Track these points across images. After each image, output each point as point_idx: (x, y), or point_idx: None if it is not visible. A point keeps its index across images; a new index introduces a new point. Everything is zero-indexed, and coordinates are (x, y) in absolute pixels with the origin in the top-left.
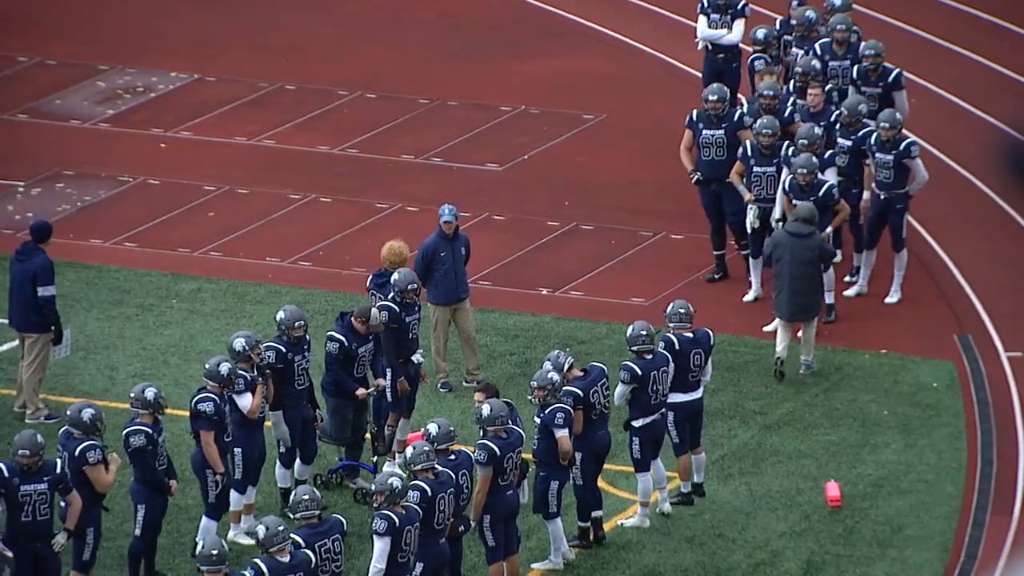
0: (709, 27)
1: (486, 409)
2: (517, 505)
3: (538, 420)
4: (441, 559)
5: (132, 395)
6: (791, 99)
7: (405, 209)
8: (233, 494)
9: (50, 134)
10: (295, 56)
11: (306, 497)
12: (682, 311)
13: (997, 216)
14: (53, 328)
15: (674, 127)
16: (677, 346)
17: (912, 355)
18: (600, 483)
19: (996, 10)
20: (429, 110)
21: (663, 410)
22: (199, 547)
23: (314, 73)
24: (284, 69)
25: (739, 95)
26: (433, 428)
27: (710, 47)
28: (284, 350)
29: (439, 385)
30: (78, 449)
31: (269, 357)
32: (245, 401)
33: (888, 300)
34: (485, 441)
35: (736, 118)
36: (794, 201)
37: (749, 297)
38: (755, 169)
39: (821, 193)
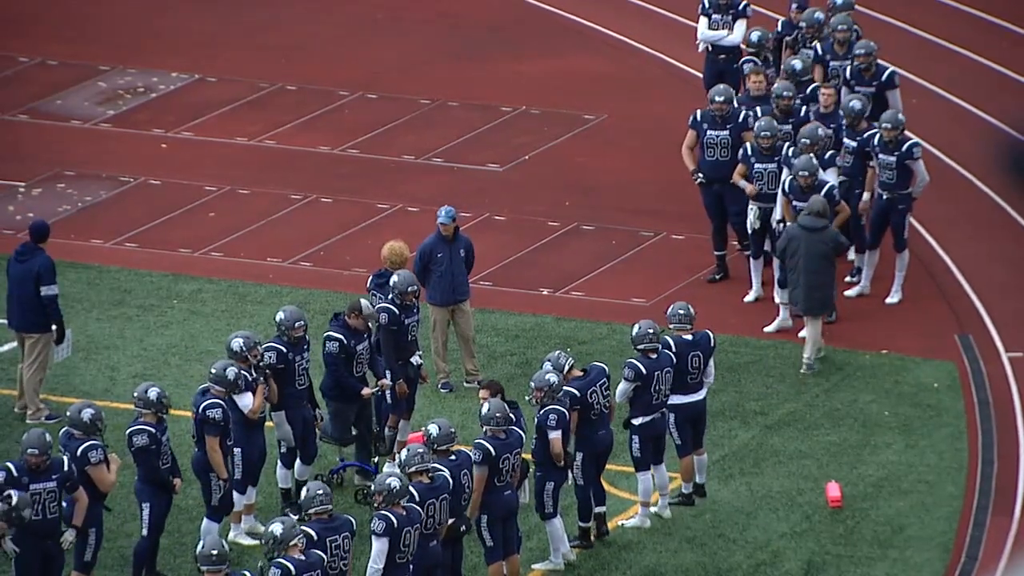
0: (710, 28)
1: (484, 408)
2: (516, 506)
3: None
4: (433, 560)
5: (135, 395)
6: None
7: (406, 209)
8: (234, 494)
9: (51, 134)
10: (296, 56)
11: (320, 492)
12: (682, 312)
13: (998, 216)
14: (55, 327)
15: (675, 127)
16: (674, 348)
17: (913, 355)
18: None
19: (996, 10)
20: (430, 110)
21: (663, 409)
22: (199, 547)
23: (315, 73)
24: (285, 69)
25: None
26: (433, 429)
27: (711, 48)
28: (284, 350)
29: (439, 386)
30: (79, 449)
31: (270, 358)
32: (246, 401)
33: (889, 300)
34: (481, 440)
35: (741, 119)
36: (794, 202)
37: (750, 297)
38: (756, 166)
39: (822, 194)
